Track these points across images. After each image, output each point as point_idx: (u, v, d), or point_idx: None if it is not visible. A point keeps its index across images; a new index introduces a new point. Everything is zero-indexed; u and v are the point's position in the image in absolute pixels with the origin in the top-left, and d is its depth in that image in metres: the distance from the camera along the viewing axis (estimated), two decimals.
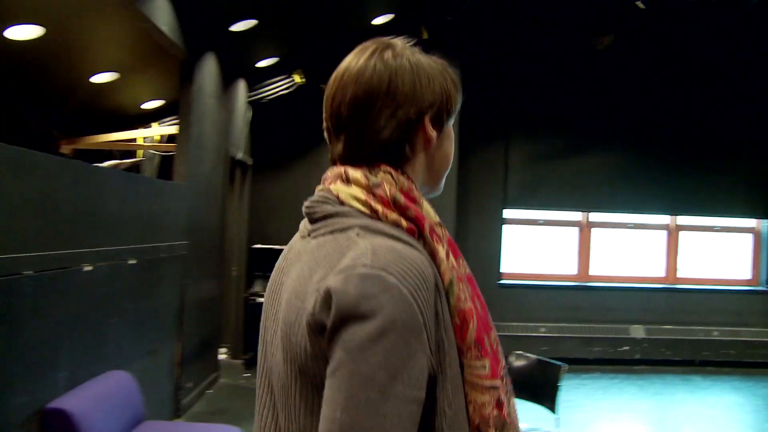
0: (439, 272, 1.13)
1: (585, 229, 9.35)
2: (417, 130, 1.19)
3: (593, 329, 8.94)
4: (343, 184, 1.20)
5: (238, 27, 6.64)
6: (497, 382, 1.13)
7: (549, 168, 9.18)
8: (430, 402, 1.05)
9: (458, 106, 1.25)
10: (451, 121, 1.26)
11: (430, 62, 1.22)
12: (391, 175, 1.18)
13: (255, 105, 8.43)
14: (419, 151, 1.21)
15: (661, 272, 9.51)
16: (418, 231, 1.16)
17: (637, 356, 8.95)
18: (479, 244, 9.01)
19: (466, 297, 1.13)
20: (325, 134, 1.27)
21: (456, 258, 1.18)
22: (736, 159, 9.44)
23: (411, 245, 1.11)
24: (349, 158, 1.22)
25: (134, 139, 7.40)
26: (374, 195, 1.16)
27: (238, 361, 8.05)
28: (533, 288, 9.11)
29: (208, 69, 6.59)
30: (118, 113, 7.50)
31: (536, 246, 9.35)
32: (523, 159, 9.21)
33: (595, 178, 9.22)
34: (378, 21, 7.86)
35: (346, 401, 0.97)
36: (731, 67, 9.18)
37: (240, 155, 7.95)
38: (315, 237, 1.19)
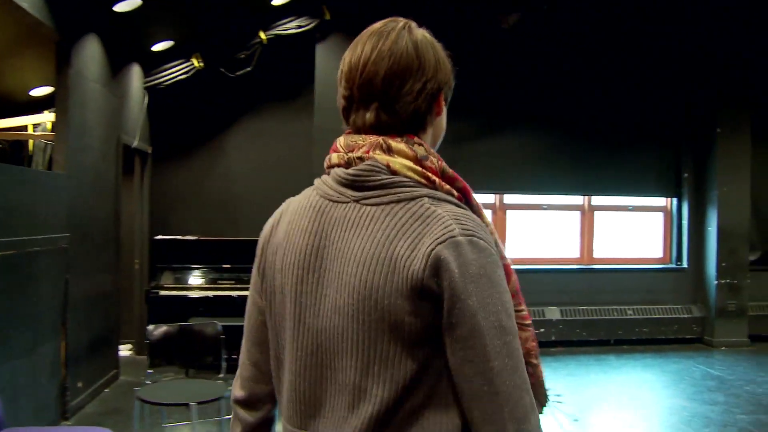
0: (493, 233, 1.30)
1: (499, 211, 9.26)
2: (436, 102, 1.32)
3: None
4: (386, 155, 1.27)
5: (122, 7, 6.31)
6: (531, 324, 1.42)
7: (459, 150, 9.03)
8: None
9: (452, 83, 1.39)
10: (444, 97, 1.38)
11: (438, 43, 1.34)
12: (423, 146, 1.29)
13: (152, 91, 8.08)
14: (431, 122, 1.34)
15: (576, 253, 9.47)
16: (465, 199, 1.31)
17: (553, 338, 8.90)
18: None
19: (504, 254, 1.30)
20: (344, 103, 1.34)
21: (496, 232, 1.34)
22: (647, 139, 9.47)
23: (471, 212, 1.28)
24: (378, 127, 1.30)
25: (25, 128, 6.98)
26: (424, 166, 1.26)
27: (143, 357, 7.69)
28: (524, 272, 8.96)
29: (90, 52, 6.24)
30: (3, 99, 7.08)
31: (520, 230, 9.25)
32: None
33: (508, 160, 9.14)
34: (277, 2, 7.59)
35: (495, 335, 1.17)
36: (641, 47, 9.19)
37: (136, 143, 7.60)
38: (375, 204, 1.24)
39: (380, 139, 1.28)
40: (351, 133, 1.34)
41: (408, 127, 1.30)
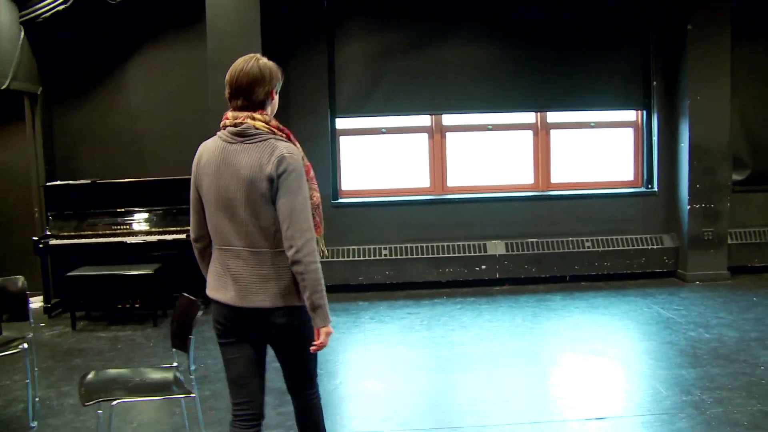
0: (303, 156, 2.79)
1: (436, 135, 8.20)
2: (270, 95, 2.82)
3: (447, 248, 7.91)
4: (253, 121, 2.76)
5: None
6: (318, 195, 2.94)
7: (386, 67, 7.99)
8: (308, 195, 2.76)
9: (281, 83, 2.91)
10: (277, 89, 2.90)
11: (273, 64, 2.85)
12: (267, 115, 2.82)
13: (31, 25, 7.33)
14: (269, 104, 2.84)
15: (530, 179, 8.35)
16: (289, 139, 2.82)
17: (497, 275, 7.91)
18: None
19: (308, 165, 2.85)
20: (228, 95, 2.84)
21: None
22: (609, 42, 8.16)
23: (290, 143, 2.79)
24: (244, 108, 2.79)
25: None
26: (270, 125, 2.78)
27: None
28: (376, 206, 8.05)
29: None
30: None
31: (382, 158, 8.23)
32: (353, 59, 8.01)
33: (445, 75, 8.02)
34: None
35: (295, 195, 2.68)
36: None
37: (13, 84, 6.93)
38: (250, 143, 2.76)
39: (249, 113, 2.78)
40: (233, 110, 2.83)
41: (258, 107, 2.81)
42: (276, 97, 2.89)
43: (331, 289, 5.58)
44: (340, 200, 8.06)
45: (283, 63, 7.66)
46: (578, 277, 8.02)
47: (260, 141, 2.74)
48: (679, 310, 6.87)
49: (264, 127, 2.76)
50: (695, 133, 7.78)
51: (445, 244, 7.91)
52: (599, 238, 8.02)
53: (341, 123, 8.16)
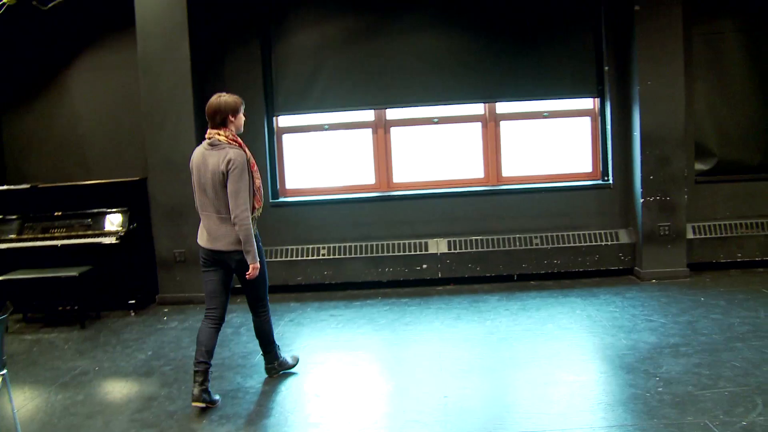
0: (248, 157, 4.53)
1: (379, 130, 7.95)
2: (229, 118, 4.56)
3: (387, 247, 7.67)
4: (218, 136, 4.49)
5: None
6: (259, 182, 4.66)
7: (325, 62, 7.78)
8: (250, 183, 4.53)
9: (242, 108, 4.67)
10: (239, 114, 4.63)
11: (233, 97, 4.63)
12: (228, 131, 4.56)
13: None
14: (230, 123, 4.56)
15: (480, 173, 8.00)
16: (241, 147, 4.55)
17: (440, 275, 7.62)
18: None
19: (253, 162, 4.61)
20: (207, 119, 4.57)
21: (249, 154, 4.60)
22: (558, 26, 7.72)
23: (241, 150, 4.52)
24: (215, 127, 4.55)
25: None
26: (229, 138, 4.51)
27: None
28: (319, 204, 7.87)
29: None
30: None
31: (326, 155, 8.04)
32: (291, 55, 7.82)
33: (387, 68, 7.76)
34: None
35: (238, 183, 4.43)
36: None
37: None
38: (216, 150, 4.48)
39: (217, 130, 4.53)
40: (210, 128, 4.56)
41: (221, 126, 4.54)
42: (235, 118, 4.62)
43: (270, 289, 5.47)
44: (282, 199, 7.91)
45: (217, 62, 7.69)
46: (527, 276, 7.64)
47: (221, 149, 4.50)
48: (614, 312, 6.45)
49: (224, 139, 4.52)
50: (647, 120, 7.29)
51: (386, 242, 7.67)
52: (549, 234, 7.61)
53: (284, 121, 7.98)
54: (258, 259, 4.56)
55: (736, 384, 4.64)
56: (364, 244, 7.67)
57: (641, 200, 7.38)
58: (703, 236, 7.60)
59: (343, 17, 7.72)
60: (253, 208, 4.58)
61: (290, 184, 8.06)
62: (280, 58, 7.78)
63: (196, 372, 4.60)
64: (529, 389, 4.81)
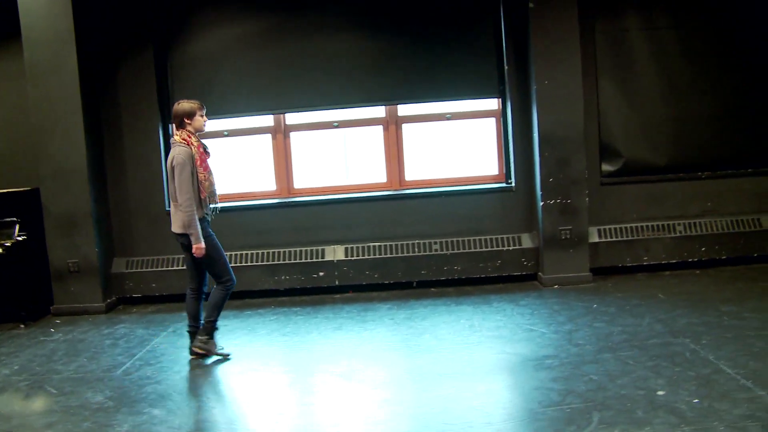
0: (195, 153, 5.22)
1: (279, 135, 7.75)
2: (185, 120, 5.30)
3: (284, 254, 7.47)
4: (176, 136, 5.28)
5: None
6: (207, 173, 5.34)
7: (222, 66, 7.59)
8: (193, 175, 5.20)
9: (202, 112, 5.39)
10: (196, 116, 5.31)
11: (190, 103, 5.35)
12: (184, 132, 5.29)
13: None
14: (188, 125, 5.30)
15: (382, 177, 7.79)
16: (189, 145, 5.24)
17: (337, 282, 7.41)
18: (139, 170, 7.65)
19: (200, 156, 5.28)
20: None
21: (201, 151, 5.32)
22: (458, 29, 7.51)
23: (188, 148, 5.21)
24: (177, 128, 5.34)
25: None
26: (182, 137, 5.25)
27: None
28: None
29: None
30: None
31: (226, 162, 7.85)
32: (188, 61, 7.64)
33: (287, 72, 7.56)
34: None
35: (180, 176, 5.14)
36: None
37: None
38: (173, 147, 5.27)
39: (177, 131, 5.32)
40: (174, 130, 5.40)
41: (180, 128, 5.31)
42: (191, 120, 5.31)
43: (166, 299, 6.72)
44: None
45: (109, 70, 7.47)
46: (427, 283, 7.42)
47: (174, 147, 5.24)
48: (499, 321, 6.24)
49: (178, 139, 5.24)
50: (544, 121, 7.07)
51: (283, 250, 7.47)
52: (448, 239, 7.39)
53: None
54: (201, 242, 5.22)
55: (582, 400, 4.42)
56: (262, 251, 7.49)
57: (541, 203, 7.13)
58: (609, 239, 7.37)
59: (241, 21, 7.54)
60: (200, 198, 5.26)
61: None
62: (177, 65, 7.60)
63: (189, 333, 5.63)
64: (349, 409, 4.60)
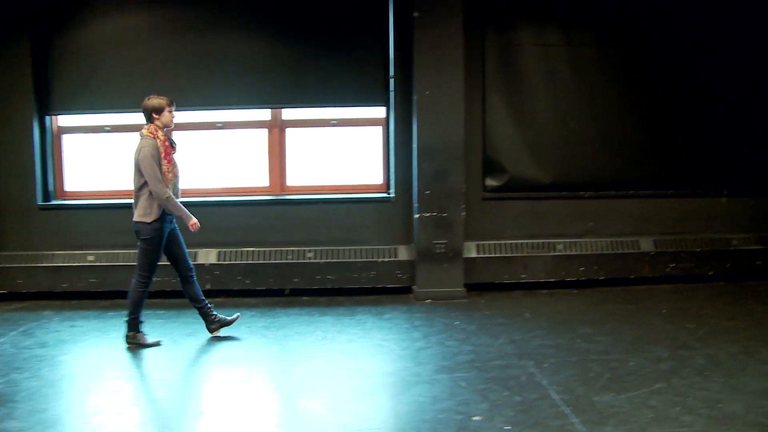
0: (160, 146, 5.50)
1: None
2: (153, 114, 5.57)
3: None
4: (144, 130, 5.55)
5: None
6: (171, 165, 5.58)
7: (104, 61, 7.37)
8: (158, 168, 5.44)
9: (171, 108, 5.69)
10: (164, 112, 5.59)
11: (159, 99, 5.61)
12: (152, 126, 5.58)
13: None
14: (156, 120, 5.57)
15: (264, 181, 7.63)
16: (155, 138, 5.52)
17: (209, 286, 7.22)
18: (10, 163, 7.40)
19: (165, 149, 5.53)
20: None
21: (166, 144, 5.57)
22: (346, 34, 7.37)
23: (153, 140, 5.50)
24: (147, 121, 5.60)
25: None
26: (149, 130, 5.55)
27: None
28: (94, 208, 7.47)
29: None
30: None
31: (108, 158, 7.63)
32: (68, 54, 7.39)
33: (169, 68, 7.36)
34: None
35: (147, 168, 5.40)
36: None
37: None
38: (140, 140, 5.52)
39: (146, 125, 5.58)
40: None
41: (149, 122, 5.60)
42: (160, 115, 5.57)
43: (32, 296, 6.74)
44: (53, 202, 7.49)
45: None
46: (299, 291, 7.26)
47: (141, 139, 5.51)
48: (353, 336, 6.11)
49: (146, 132, 5.52)
50: (424, 132, 6.96)
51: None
52: (323, 248, 7.24)
53: (64, 121, 7.59)
54: (192, 218, 5.64)
55: (396, 422, 4.38)
56: (132, 252, 7.24)
57: (416, 216, 7.01)
58: (487, 255, 7.27)
59: (123, 15, 7.34)
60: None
61: (70, 186, 7.64)
62: (57, 57, 7.36)
63: (201, 315, 5.96)
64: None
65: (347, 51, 7.31)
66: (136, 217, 5.55)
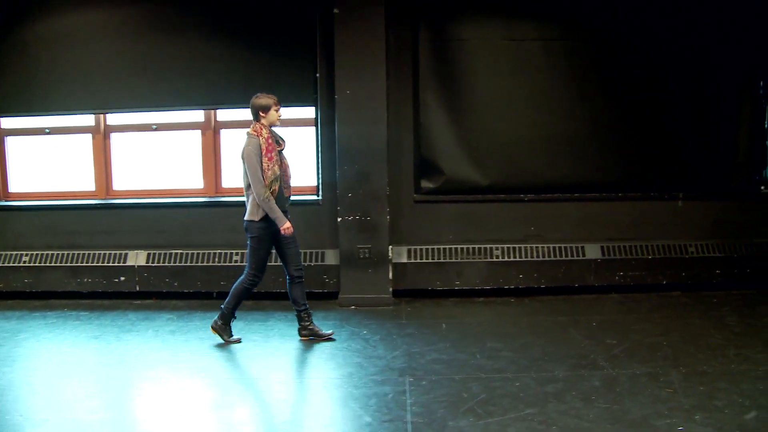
0: (263, 144, 5.52)
1: (98, 136, 7.55)
2: (261, 112, 5.57)
3: (88, 257, 7.29)
4: (251, 128, 5.60)
5: None
6: (271, 163, 5.54)
7: (41, 62, 7.41)
8: (260, 165, 5.47)
9: (278, 107, 5.69)
10: (271, 111, 5.59)
11: (266, 97, 5.62)
12: (258, 124, 5.59)
13: None
14: (262, 118, 5.57)
15: (199, 183, 7.54)
16: (259, 137, 5.55)
17: (138, 288, 7.20)
18: None
19: (269, 147, 5.54)
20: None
21: (269, 142, 5.57)
22: (272, 32, 7.17)
23: (257, 138, 5.55)
24: (253, 119, 5.64)
25: None
26: (255, 128, 5.58)
27: None
28: (27, 210, 7.53)
29: None
30: None
31: (48, 160, 7.70)
32: (7, 55, 7.46)
33: (101, 71, 7.34)
34: None
35: (249, 167, 5.50)
36: None
37: None
38: (245, 138, 5.62)
39: (252, 123, 5.63)
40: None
41: (255, 120, 5.63)
42: (266, 114, 5.59)
43: None
44: None
45: None
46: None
47: (246, 137, 5.60)
48: (251, 342, 5.93)
49: (251, 131, 5.58)
50: (344, 132, 6.74)
51: (87, 252, 7.27)
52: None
53: (6, 123, 7.66)
54: (284, 222, 5.59)
55: None
56: (66, 252, 7.30)
57: (339, 219, 6.78)
58: (419, 261, 6.97)
59: (56, 17, 7.31)
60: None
61: (15, 188, 7.72)
62: None
63: (296, 317, 5.97)
64: None
65: (278, 50, 7.13)
66: (246, 216, 5.62)
